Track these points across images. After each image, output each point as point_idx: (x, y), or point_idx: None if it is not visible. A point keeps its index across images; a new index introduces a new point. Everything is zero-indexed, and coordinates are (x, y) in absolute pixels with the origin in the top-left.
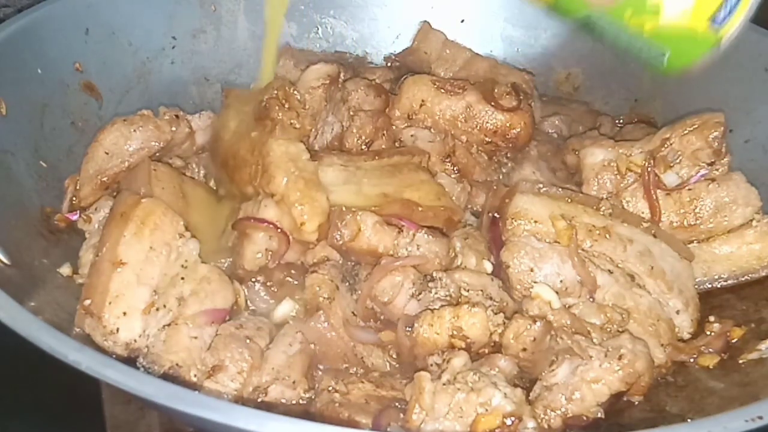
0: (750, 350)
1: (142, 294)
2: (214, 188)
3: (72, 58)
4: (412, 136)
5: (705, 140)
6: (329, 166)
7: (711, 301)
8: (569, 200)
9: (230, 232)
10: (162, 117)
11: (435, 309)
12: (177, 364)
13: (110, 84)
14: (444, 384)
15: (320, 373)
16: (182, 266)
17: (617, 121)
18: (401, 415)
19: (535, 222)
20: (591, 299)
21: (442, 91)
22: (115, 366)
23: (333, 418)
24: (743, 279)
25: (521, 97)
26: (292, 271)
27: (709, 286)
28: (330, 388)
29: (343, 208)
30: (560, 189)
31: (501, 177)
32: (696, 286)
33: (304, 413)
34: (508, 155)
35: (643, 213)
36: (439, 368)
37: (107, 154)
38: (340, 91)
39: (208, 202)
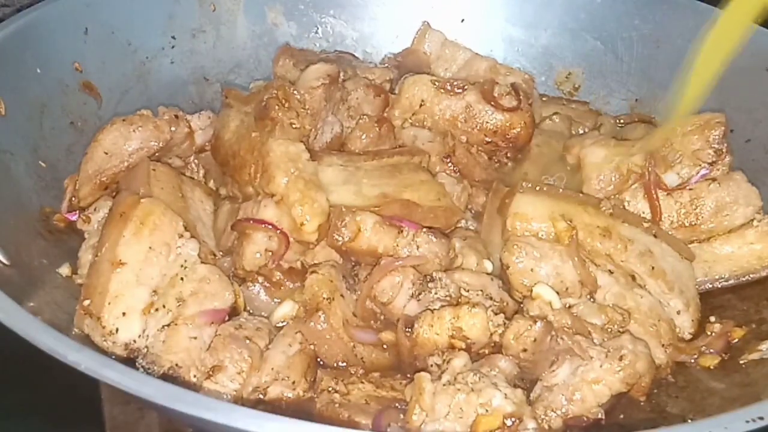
0: (751, 350)
1: (142, 294)
2: (214, 188)
3: (71, 57)
4: (412, 136)
5: (706, 140)
6: (329, 166)
7: (712, 302)
8: (570, 200)
9: (230, 233)
10: (161, 117)
11: (435, 309)
12: (176, 365)
13: (109, 84)
14: (444, 385)
15: (320, 373)
16: (181, 266)
17: (618, 121)
18: (401, 416)
19: (536, 222)
20: (591, 299)
21: (442, 90)
22: (115, 366)
23: (333, 418)
24: (744, 279)
25: (521, 97)
26: (292, 272)
27: (710, 286)
28: (330, 389)
29: (343, 209)
30: (560, 189)
31: (501, 177)
32: (697, 286)
33: (304, 414)
34: (508, 155)
35: (643, 213)
36: (440, 369)
37: (106, 154)
38: (340, 90)
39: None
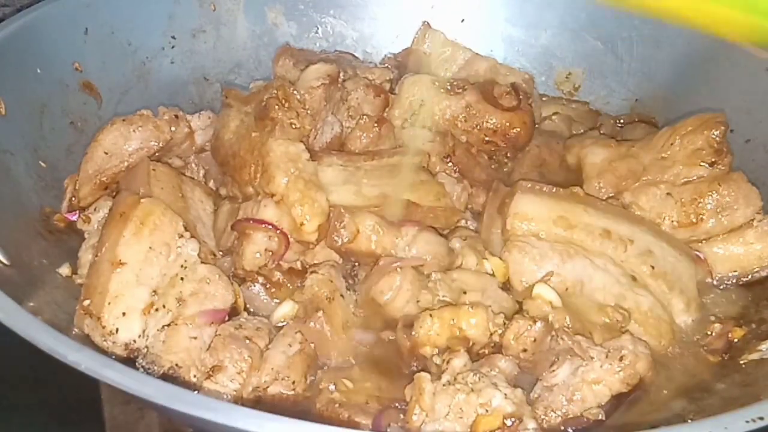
0: (751, 351)
1: (142, 294)
2: (214, 188)
3: (71, 57)
4: (412, 136)
5: (706, 140)
6: (329, 166)
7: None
8: (570, 200)
9: (230, 233)
10: (161, 117)
11: (435, 309)
12: (176, 365)
13: (109, 84)
14: (444, 385)
15: (320, 373)
16: (182, 266)
17: (618, 121)
18: (401, 416)
19: (536, 222)
20: None
21: (442, 90)
22: (115, 366)
23: (333, 418)
24: (744, 279)
25: (521, 97)
26: (292, 272)
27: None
28: (330, 389)
29: (342, 209)
30: (561, 189)
31: (501, 177)
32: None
33: (304, 413)
34: (508, 155)
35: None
36: (439, 369)
37: (106, 154)
38: (340, 90)
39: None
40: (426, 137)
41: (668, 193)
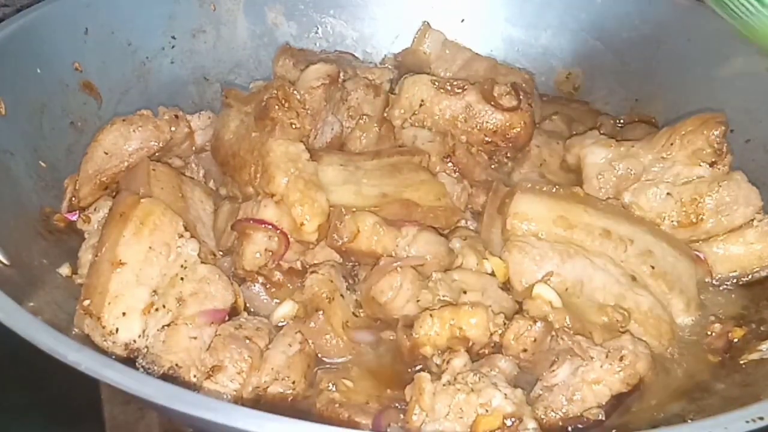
0: (751, 351)
1: (142, 294)
2: (214, 188)
3: (71, 57)
4: (412, 136)
5: (706, 140)
6: (329, 166)
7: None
8: (570, 200)
9: (230, 233)
10: (161, 117)
11: (435, 310)
12: (176, 365)
13: (109, 84)
14: (444, 385)
15: (320, 373)
16: (182, 266)
17: (618, 121)
18: (401, 416)
19: (536, 222)
20: None
21: (442, 90)
22: (115, 366)
23: (333, 418)
24: (744, 279)
25: (521, 97)
26: (292, 272)
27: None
28: (330, 389)
29: (342, 209)
30: (561, 189)
31: (501, 177)
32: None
33: (304, 413)
34: (508, 155)
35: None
36: (440, 369)
37: (106, 154)
38: (340, 90)
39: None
40: (426, 137)
41: (668, 193)
